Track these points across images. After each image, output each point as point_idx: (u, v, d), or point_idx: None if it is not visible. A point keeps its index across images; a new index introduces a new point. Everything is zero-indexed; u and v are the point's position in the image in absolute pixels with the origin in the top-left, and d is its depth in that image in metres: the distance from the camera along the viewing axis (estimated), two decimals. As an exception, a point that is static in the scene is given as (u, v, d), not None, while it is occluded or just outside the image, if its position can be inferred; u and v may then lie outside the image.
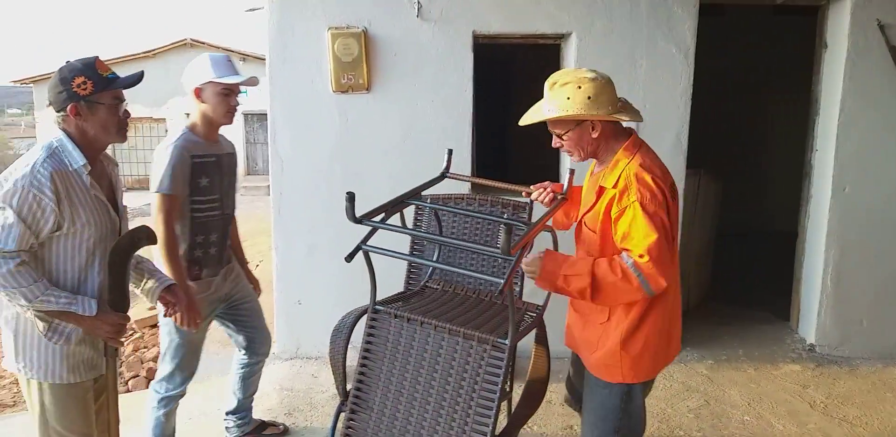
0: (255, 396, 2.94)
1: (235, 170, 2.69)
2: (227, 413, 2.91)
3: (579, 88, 1.85)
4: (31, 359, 1.92)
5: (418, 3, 3.44)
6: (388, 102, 3.57)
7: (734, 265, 5.55)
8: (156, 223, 2.36)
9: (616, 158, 1.92)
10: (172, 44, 17.83)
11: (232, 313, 2.73)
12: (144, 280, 2.18)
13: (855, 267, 3.79)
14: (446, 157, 2.44)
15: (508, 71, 6.74)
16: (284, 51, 3.53)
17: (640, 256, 1.77)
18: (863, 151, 3.67)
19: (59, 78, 1.91)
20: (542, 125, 1.96)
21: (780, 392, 3.45)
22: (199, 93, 2.46)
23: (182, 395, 2.62)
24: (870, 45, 3.56)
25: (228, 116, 2.50)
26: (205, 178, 2.48)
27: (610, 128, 1.93)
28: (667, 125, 3.61)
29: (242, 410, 2.91)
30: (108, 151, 2.09)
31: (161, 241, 2.31)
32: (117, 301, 1.96)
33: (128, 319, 2.01)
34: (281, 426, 3.02)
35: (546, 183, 2.23)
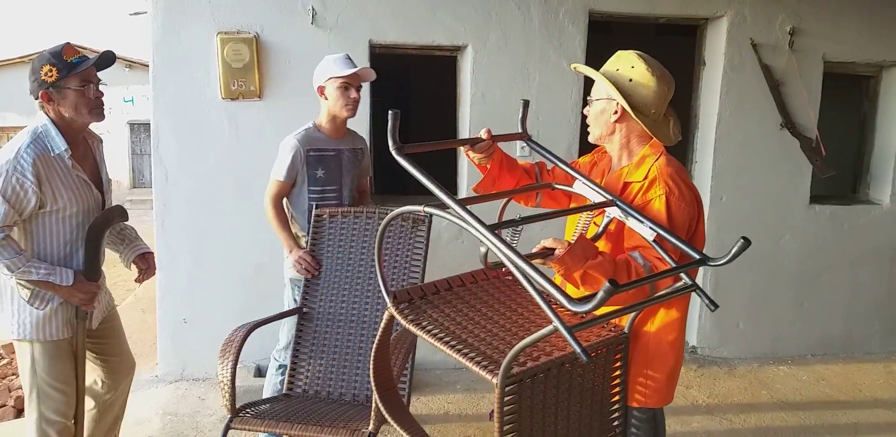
0: (134, 422, 2.76)
1: (361, 164, 2.91)
2: None
3: (633, 67, 1.76)
4: (22, 321, 2.17)
5: (313, 9, 3.37)
6: (281, 110, 3.46)
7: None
8: (264, 202, 2.76)
9: (643, 154, 1.82)
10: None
11: None
12: (124, 246, 2.45)
13: (731, 272, 4.00)
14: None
15: (406, 82, 6.75)
16: (170, 56, 3.36)
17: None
18: (738, 163, 3.90)
19: (31, 68, 2.13)
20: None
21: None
22: (322, 91, 2.70)
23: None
24: (744, 62, 3.80)
25: (348, 109, 2.70)
26: (321, 169, 2.73)
27: (639, 127, 1.80)
28: (558, 137, 3.71)
29: None
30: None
31: (267, 217, 2.76)
32: (91, 271, 2.21)
33: (99, 288, 2.25)
34: None
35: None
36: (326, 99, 2.71)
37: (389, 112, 1.57)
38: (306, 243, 2.73)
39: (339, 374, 2.59)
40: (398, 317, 1.57)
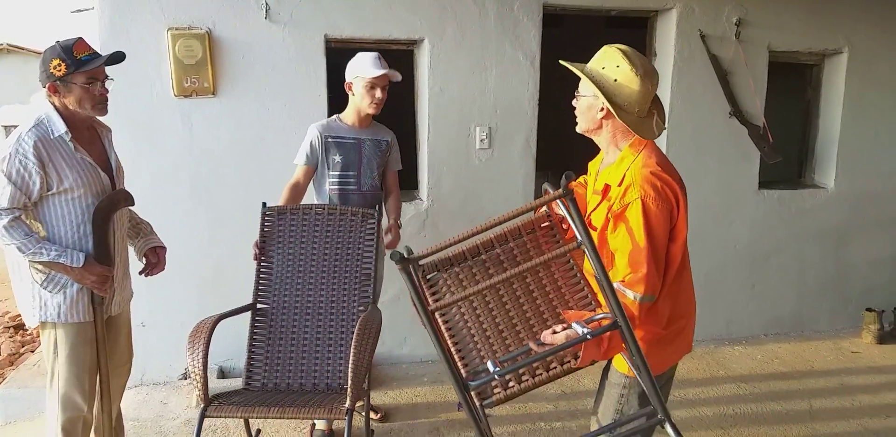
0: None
1: (382, 155, 3.01)
2: None
3: (618, 67, 1.78)
4: (43, 304, 2.27)
5: (266, 4, 3.32)
6: (237, 107, 3.41)
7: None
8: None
9: (622, 156, 1.86)
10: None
11: None
12: (138, 239, 2.59)
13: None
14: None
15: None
16: (119, 52, 3.27)
17: (629, 275, 1.73)
18: (689, 150, 4.00)
19: (42, 58, 2.22)
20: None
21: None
22: (350, 87, 2.89)
23: None
24: (693, 53, 3.89)
25: (373, 106, 2.86)
26: (339, 155, 2.89)
27: (623, 125, 1.82)
28: (516, 129, 3.74)
29: None
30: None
31: (281, 198, 2.88)
32: (101, 255, 2.28)
33: (111, 271, 2.32)
34: None
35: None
36: (353, 94, 2.89)
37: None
38: None
39: (298, 366, 2.63)
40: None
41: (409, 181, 3.89)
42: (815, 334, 4.42)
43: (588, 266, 1.89)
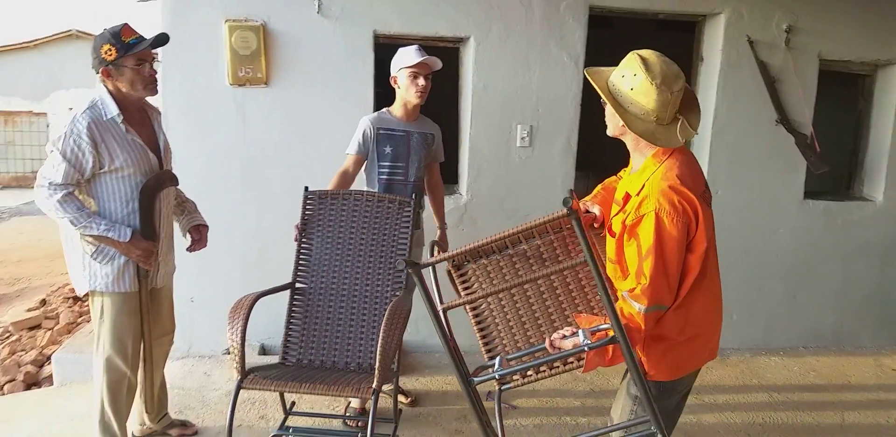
0: None
1: (427, 147, 3.10)
2: None
3: (635, 75, 1.76)
4: (93, 274, 2.43)
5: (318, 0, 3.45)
6: (287, 97, 3.55)
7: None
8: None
9: (644, 165, 1.85)
10: (56, 35, 16.75)
11: None
12: (183, 217, 2.76)
13: (725, 265, 4.01)
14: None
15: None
16: (179, 42, 3.42)
17: (637, 286, 1.75)
18: (733, 157, 3.97)
19: (93, 45, 2.38)
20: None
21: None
22: (395, 81, 2.99)
23: None
24: (741, 59, 3.86)
25: (418, 96, 2.95)
26: (389, 147, 2.99)
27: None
28: (558, 129, 3.79)
29: None
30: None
31: (331, 183, 2.96)
32: (147, 231, 2.45)
33: (155, 246, 2.49)
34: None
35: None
36: (399, 87, 2.98)
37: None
38: None
39: (332, 345, 2.73)
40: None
41: (450, 175, 3.97)
42: (856, 350, 4.32)
43: (612, 254, 1.95)
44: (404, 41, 3.66)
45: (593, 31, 3.76)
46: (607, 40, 4.13)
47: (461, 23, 3.62)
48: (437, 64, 2.96)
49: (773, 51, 3.88)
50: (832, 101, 4.33)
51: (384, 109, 3.09)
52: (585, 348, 1.63)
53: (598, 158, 4.80)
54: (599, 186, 2.17)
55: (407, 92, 2.96)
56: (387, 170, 3.02)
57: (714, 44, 3.91)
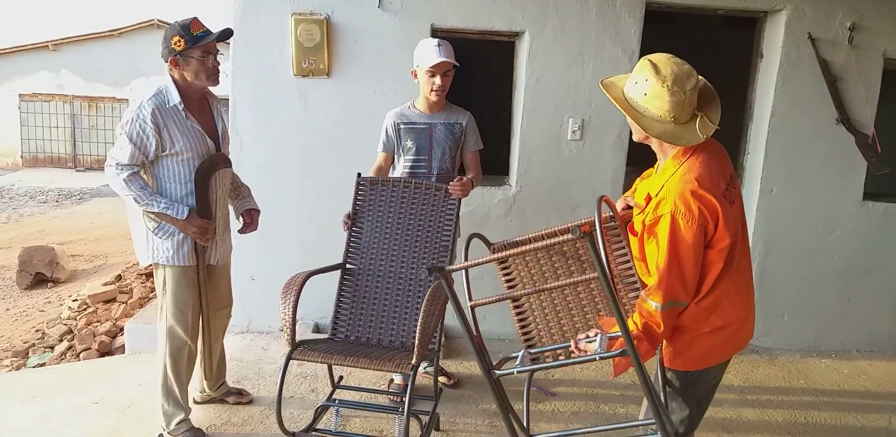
0: None
1: (455, 138, 3.12)
2: None
3: (646, 81, 1.80)
4: (155, 248, 2.62)
5: (380, -6, 3.59)
6: (347, 88, 3.71)
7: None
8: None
9: (665, 166, 1.90)
10: (138, 24, 17.56)
11: None
12: (237, 200, 2.93)
13: (778, 264, 4.05)
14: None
15: (470, 62, 6.88)
16: (248, 33, 3.64)
17: (654, 284, 1.83)
18: (790, 156, 3.93)
19: (164, 36, 2.54)
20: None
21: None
22: (415, 74, 3.03)
23: None
24: (801, 56, 3.81)
25: (434, 94, 2.99)
26: (410, 141, 3.06)
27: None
28: (609, 123, 3.82)
29: None
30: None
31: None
32: (202, 209, 2.63)
33: (210, 224, 2.65)
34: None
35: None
36: (418, 82, 3.03)
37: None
38: None
39: (378, 322, 2.88)
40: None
41: (501, 167, 4.06)
42: (913, 356, 4.22)
43: (636, 252, 2.04)
44: (461, 35, 3.78)
45: (657, 26, 3.77)
46: (670, 35, 4.14)
47: (517, 18, 3.69)
48: (449, 65, 2.94)
49: (836, 49, 3.81)
50: (895, 101, 4.21)
51: (409, 102, 3.14)
52: (597, 358, 1.76)
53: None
54: (638, 180, 2.23)
55: (424, 88, 3.01)
56: (410, 163, 3.08)
57: (774, 41, 3.86)
